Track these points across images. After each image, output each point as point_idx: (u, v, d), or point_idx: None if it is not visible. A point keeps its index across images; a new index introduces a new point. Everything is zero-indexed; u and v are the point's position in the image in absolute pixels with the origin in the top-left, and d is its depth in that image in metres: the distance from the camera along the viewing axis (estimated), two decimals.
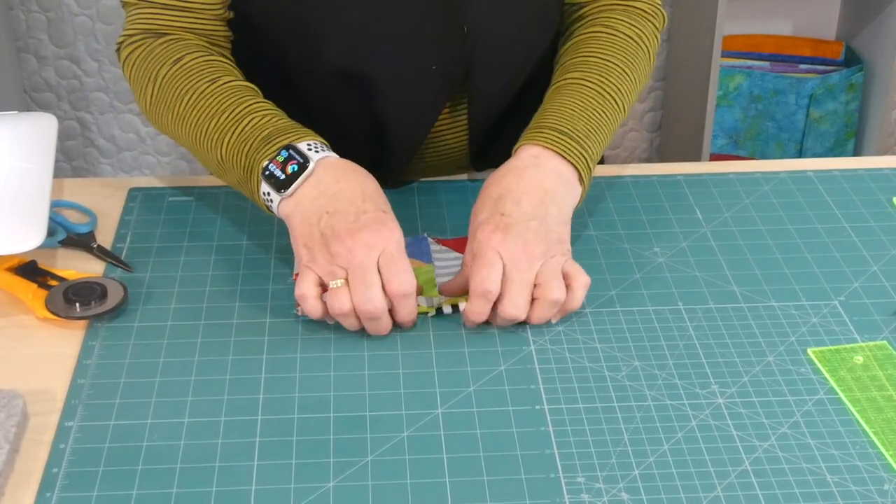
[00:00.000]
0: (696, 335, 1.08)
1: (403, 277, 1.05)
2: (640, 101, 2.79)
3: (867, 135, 2.66)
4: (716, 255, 1.20)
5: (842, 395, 1.01)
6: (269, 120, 1.14)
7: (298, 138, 1.12)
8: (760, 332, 1.09)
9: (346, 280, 1.05)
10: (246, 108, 1.15)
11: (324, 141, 1.14)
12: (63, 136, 2.68)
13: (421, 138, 1.29)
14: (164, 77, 1.19)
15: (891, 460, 0.94)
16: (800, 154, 2.66)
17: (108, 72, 2.60)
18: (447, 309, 1.10)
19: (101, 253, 1.18)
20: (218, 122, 1.15)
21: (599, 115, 1.19)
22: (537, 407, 0.99)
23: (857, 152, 2.69)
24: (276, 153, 1.11)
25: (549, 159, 1.14)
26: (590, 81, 1.21)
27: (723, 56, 2.57)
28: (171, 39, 1.22)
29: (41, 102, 2.65)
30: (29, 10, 2.54)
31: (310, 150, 1.11)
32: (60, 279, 1.12)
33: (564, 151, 1.14)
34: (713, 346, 1.07)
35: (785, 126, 2.65)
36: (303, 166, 1.09)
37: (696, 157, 2.57)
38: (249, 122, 1.14)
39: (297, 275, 1.08)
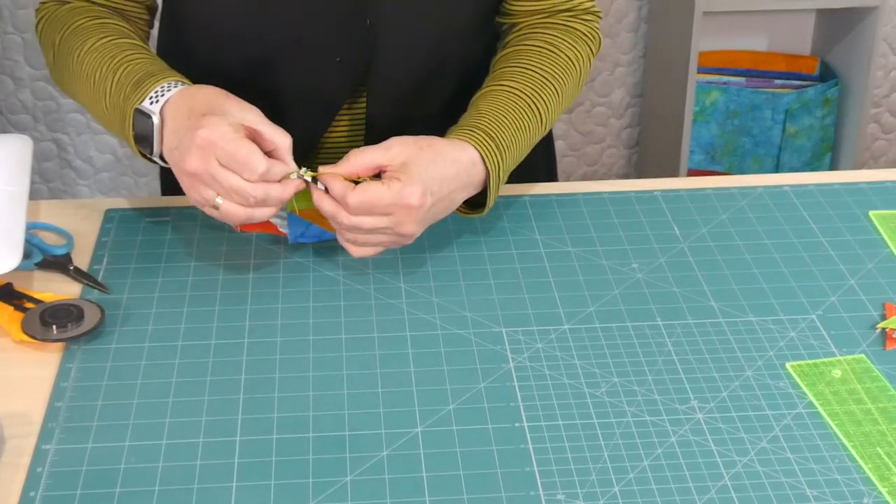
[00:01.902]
0: (675, 350, 1.08)
1: (246, 164, 1.06)
2: (618, 117, 2.80)
3: (843, 149, 2.67)
4: (694, 270, 1.20)
5: (820, 409, 1.01)
6: (128, 70, 1.18)
7: (141, 96, 1.14)
8: (739, 347, 1.09)
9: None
10: (117, 61, 1.20)
11: (176, 77, 1.16)
12: (40, 158, 2.67)
13: (321, 130, 1.32)
14: (61, 39, 1.25)
15: (870, 473, 0.94)
16: (776, 169, 2.67)
17: None
18: (306, 177, 1.11)
19: (78, 275, 1.18)
20: (96, 77, 1.20)
21: (525, 128, 1.22)
22: (517, 424, 0.99)
23: (833, 166, 2.70)
24: (132, 123, 1.15)
25: (478, 163, 1.17)
26: (524, 94, 1.23)
27: (699, 72, 2.58)
28: (75, 7, 1.28)
29: (17, 124, 2.64)
30: (5, 31, 2.53)
31: (151, 102, 1.13)
32: (37, 301, 1.11)
33: (488, 159, 1.17)
34: (692, 362, 1.07)
35: (761, 141, 2.67)
36: (150, 124, 1.13)
37: (673, 173, 2.58)
38: (114, 77, 1.18)
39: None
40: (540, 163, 1.46)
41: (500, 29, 1.35)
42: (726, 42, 2.72)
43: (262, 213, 1.10)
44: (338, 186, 1.10)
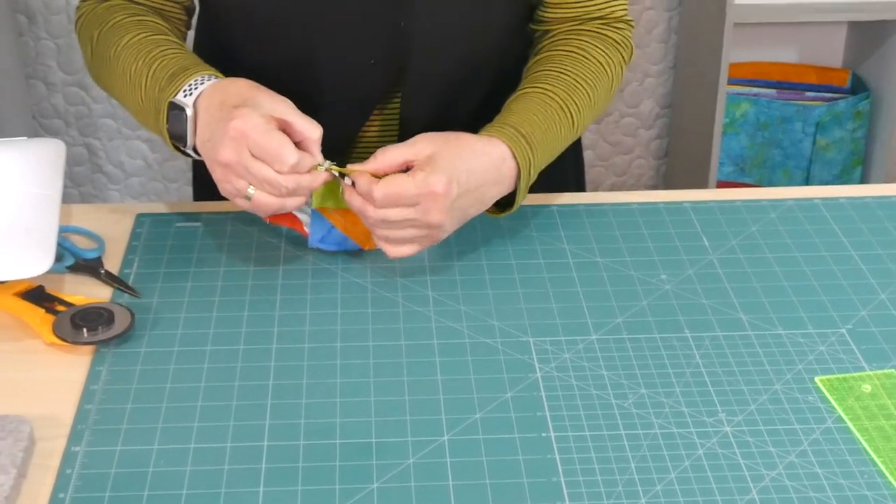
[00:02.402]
0: (703, 363, 1.08)
1: (278, 156, 1.08)
2: (647, 127, 2.79)
3: (874, 162, 2.66)
4: (723, 282, 1.20)
5: (850, 424, 1.01)
6: (162, 66, 1.20)
7: (175, 89, 1.16)
8: (767, 360, 1.08)
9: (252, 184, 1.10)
10: (152, 56, 1.21)
11: (211, 72, 1.18)
12: (71, 162, 2.69)
13: (354, 131, 1.33)
14: (99, 34, 1.26)
15: None
16: (806, 182, 2.66)
17: None
18: (333, 171, 1.13)
19: (109, 278, 1.18)
20: (131, 71, 1.22)
21: (556, 129, 1.24)
22: (543, 434, 0.99)
23: (863, 180, 2.69)
24: (167, 116, 1.16)
25: (508, 158, 1.18)
26: (556, 96, 1.24)
27: (729, 83, 2.57)
28: (113, 5, 1.29)
29: (49, 129, 2.66)
30: (38, 37, 2.55)
31: (185, 95, 1.15)
32: (68, 304, 1.12)
33: (519, 155, 1.18)
34: (720, 374, 1.06)
35: (791, 153, 2.66)
36: (184, 117, 1.15)
37: (702, 185, 2.57)
38: (150, 73, 1.20)
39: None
40: (569, 171, 1.47)
41: (532, 36, 1.36)
42: (757, 53, 2.71)
43: (293, 203, 1.11)
44: (363, 181, 1.11)
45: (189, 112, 1.14)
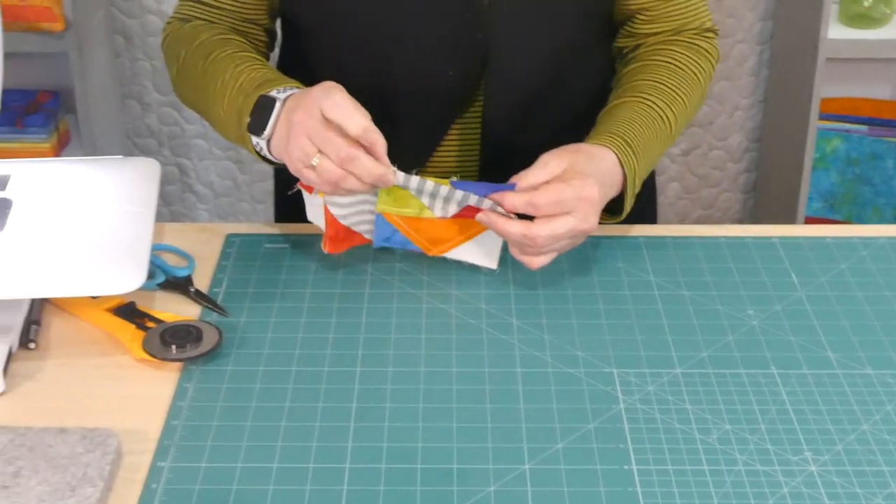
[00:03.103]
0: (790, 400, 1.07)
1: (345, 114, 1.10)
2: (735, 161, 2.77)
3: None
4: (811, 319, 1.18)
5: None
6: (247, 78, 1.23)
7: (268, 90, 1.19)
8: (855, 400, 1.07)
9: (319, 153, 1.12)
10: (239, 70, 1.24)
11: (297, 84, 1.21)
12: (163, 181, 2.74)
13: (431, 146, 1.34)
14: (186, 53, 1.30)
15: None
16: None
17: None
18: (428, 185, 1.16)
19: (198, 297, 1.20)
20: (217, 84, 1.24)
21: (657, 139, 1.26)
22: (626, 467, 0.98)
23: None
24: (251, 109, 1.19)
25: (616, 165, 1.21)
26: (657, 105, 1.27)
27: (820, 119, 2.54)
28: (198, 25, 1.33)
29: (143, 148, 2.71)
30: (135, 57, 2.61)
31: (278, 93, 1.18)
32: (158, 321, 1.14)
33: (626, 163, 1.21)
34: (806, 412, 1.05)
35: (882, 191, 2.61)
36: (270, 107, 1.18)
37: (790, 220, 2.54)
38: (235, 84, 1.23)
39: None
40: (644, 196, 1.47)
41: (620, 50, 1.38)
42: (849, 89, 2.67)
43: (352, 183, 1.12)
44: (518, 198, 1.14)
45: (279, 104, 1.17)
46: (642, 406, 1.06)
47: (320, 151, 1.12)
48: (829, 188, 2.65)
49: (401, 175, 1.15)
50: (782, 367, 1.11)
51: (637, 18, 1.34)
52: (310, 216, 1.23)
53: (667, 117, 1.27)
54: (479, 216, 1.16)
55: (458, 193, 1.17)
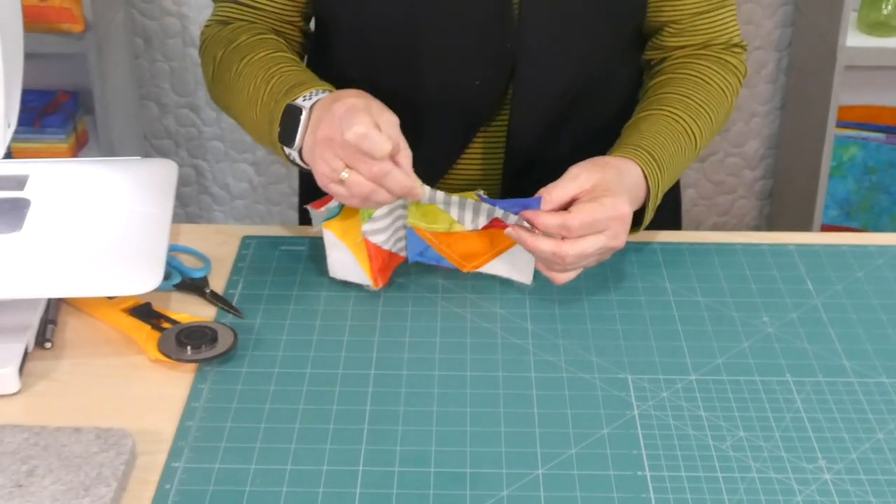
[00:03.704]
0: (804, 408, 1.06)
1: (369, 142, 1.09)
2: (751, 168, 2.76)
3: None
4: (826, 327, 1.18)
5: None
6: (278, 81, 1.23)
7: (293, 99, 1.19)
8: (870, 409, 1.06)
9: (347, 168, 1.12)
10: (271, 72, 1.24)
11: (327, 87, 1.21)
12: (179, 183, 2.73)
13: (456, 153, 1.34)
14: (222, 55, 1.30)
15: None
16: None
17: (226, 121, 2.66)
18: (454, 198, 1.16)
19: (214, 298, 1.21)
20: (250, 88, 1.25)
21: (682, 153, 1.26)
22: (639, 473, 0.98)
23: None
24: (280, 117, 1.19)
25: (640, 178, 1.21)
26: (683, 119, 1.27)
27: (837, 126, 2.53)
28: (237, 27, 1.33)
29: (160, 149, 2.72)
30: (153, 59, 2.62)
31: (304, 100, 1.18)
32: (173, 322, 1.14)
33: (650, 177, 1.21)
34: (821, 420, 1.05)
35: None
36: (298, 116, 1.18)
37: (806, 227, 2.53)
38: (266, 89, 1.23)
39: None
40: (668, 206, 1.46)
41: (648, 62, 1.38)
42: (867, 97, 2.66)
43: (383, 196, 1.12)
44: (551, 219, 1.13)
45: (305, 113, 1.17)
46: (656, 412, 1.05)
47: (348, 166, 1.12)
48: (846, 196, 2.64)
49: (427, 189, 1.15)
50: (797, 374, 1.11)
51: (665, 31, 1.34)
52: (316, 227, 1.24)
53: (692, 132, 1.27)
54: (508, 231, 1.16)
55: (486, 206, 1.17)
